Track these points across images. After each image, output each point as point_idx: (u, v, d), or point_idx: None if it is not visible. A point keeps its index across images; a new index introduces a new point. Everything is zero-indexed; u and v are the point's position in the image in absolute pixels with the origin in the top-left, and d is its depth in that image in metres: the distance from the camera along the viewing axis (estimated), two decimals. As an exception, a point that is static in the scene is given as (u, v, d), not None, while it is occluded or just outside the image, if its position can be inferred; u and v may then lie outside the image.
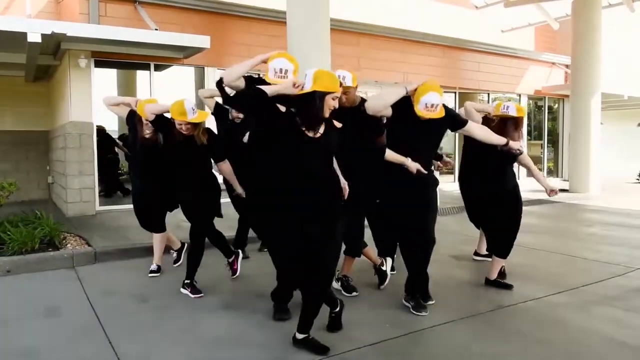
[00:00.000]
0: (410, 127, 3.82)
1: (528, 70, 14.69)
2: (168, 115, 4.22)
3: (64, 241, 5.83)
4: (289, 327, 3.52)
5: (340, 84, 3.17)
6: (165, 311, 4.04)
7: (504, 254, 4.63)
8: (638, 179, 16.79)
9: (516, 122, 4.38)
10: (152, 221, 5.04)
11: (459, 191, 5.19)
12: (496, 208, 4.56)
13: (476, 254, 5.66)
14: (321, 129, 3.14)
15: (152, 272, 5.00)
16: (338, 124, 3.26)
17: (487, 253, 5.46)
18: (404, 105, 3.77)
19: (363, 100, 4.09)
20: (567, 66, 14.83)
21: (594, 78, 12.14)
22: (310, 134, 3.12)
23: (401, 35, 11.90)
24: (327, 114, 3.11)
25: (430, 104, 3.63)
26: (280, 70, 3.46)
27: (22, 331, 3.64)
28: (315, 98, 3.05)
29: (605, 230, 7.50)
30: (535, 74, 14.86)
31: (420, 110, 3.67)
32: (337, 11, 8.43)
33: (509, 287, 4.55)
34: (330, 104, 3.10)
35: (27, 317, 3.91)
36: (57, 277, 5.02)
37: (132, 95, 9.33)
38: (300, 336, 3.26)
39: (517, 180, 4.70)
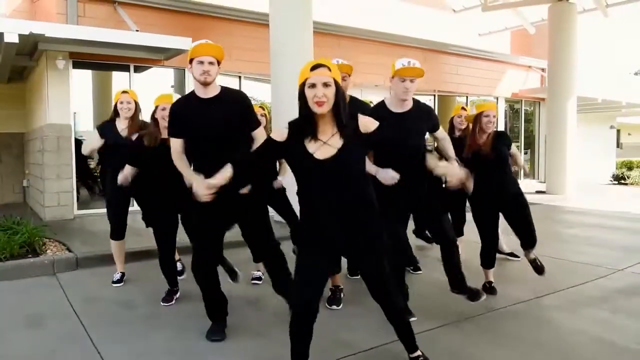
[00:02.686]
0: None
1: (505, 74, 14.92)
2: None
3: (44, 247, 5.67)
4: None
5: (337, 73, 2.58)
6: (153, 319, 3.95)
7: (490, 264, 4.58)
8: (612, 180, 17.19)
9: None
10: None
11: None
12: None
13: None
14: (335, 143, 2.52)
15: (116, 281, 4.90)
16: (373, 124, 2.65)
17: (509, 252, 5.72)
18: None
19: (352, 99, 3.94)
20: (543, 70, 15.11)
21: (570, 81, 12.39)
22: (318, 156, 2.51)
23: (381, 37, 11.96)
24: (315, 109, 2.46)
25: (407, 61, 3.50)
26: None
27: (5, 341, 3.51)
28: (299, 99, 2.54)
29: (585, 232, 7.63)
30: (512, 77, 15.09)
31: (399, 68, 3.47)
32: (316, 13, 8.39)
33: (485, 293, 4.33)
34: (309, 95, 2.46)
35: (9, 327, 3.78)
36: (38, 285, 4.88)
37: (109, 96, 9.20)
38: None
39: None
